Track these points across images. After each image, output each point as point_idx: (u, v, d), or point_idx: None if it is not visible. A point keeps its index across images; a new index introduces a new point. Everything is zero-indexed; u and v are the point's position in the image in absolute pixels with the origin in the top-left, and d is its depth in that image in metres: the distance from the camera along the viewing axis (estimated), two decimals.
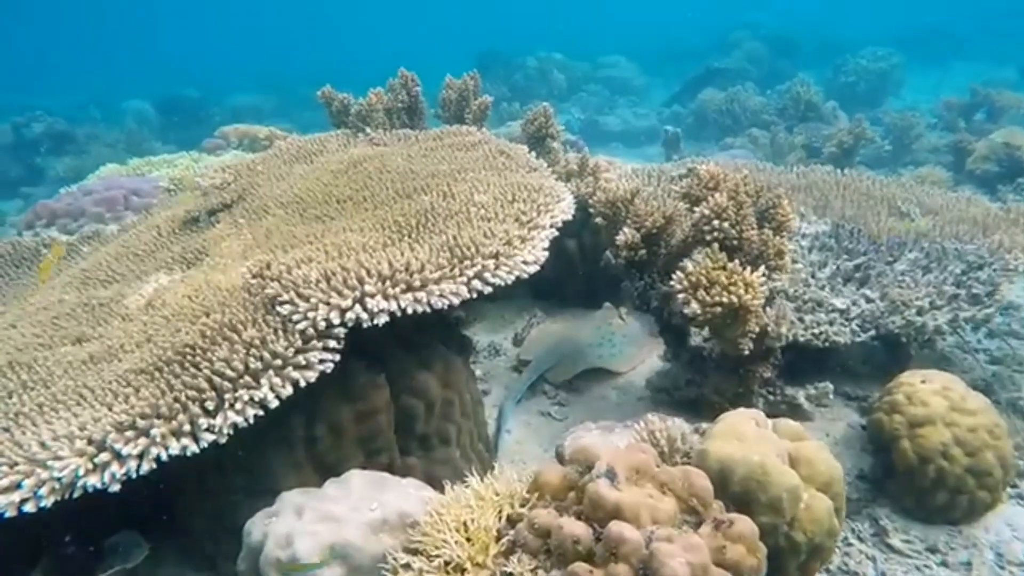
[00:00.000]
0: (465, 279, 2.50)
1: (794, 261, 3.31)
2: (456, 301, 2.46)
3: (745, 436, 2.28)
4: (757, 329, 2.82)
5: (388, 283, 2.37)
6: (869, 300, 3.58)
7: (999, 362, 4.25)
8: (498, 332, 4.62)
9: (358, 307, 2.32)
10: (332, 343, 2.32)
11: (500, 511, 1.98)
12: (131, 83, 21.24)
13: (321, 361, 2.29)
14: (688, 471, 1.93)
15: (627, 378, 3.98)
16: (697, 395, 3.39)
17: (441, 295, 2.43)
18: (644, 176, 4.62)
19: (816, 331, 3.28)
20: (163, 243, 3.75)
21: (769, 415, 3.21)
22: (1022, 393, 3.80)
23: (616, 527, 1.70)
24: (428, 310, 2.41)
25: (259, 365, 2.20)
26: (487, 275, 2.55)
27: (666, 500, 1.87)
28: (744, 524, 1.78)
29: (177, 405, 2.09)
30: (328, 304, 2.32)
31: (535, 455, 3.36)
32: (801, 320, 3.36)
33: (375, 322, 2.34)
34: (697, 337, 3.48)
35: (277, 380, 2.19)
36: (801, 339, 3.24)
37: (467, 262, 2.54)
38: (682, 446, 2.41)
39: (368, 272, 2.41)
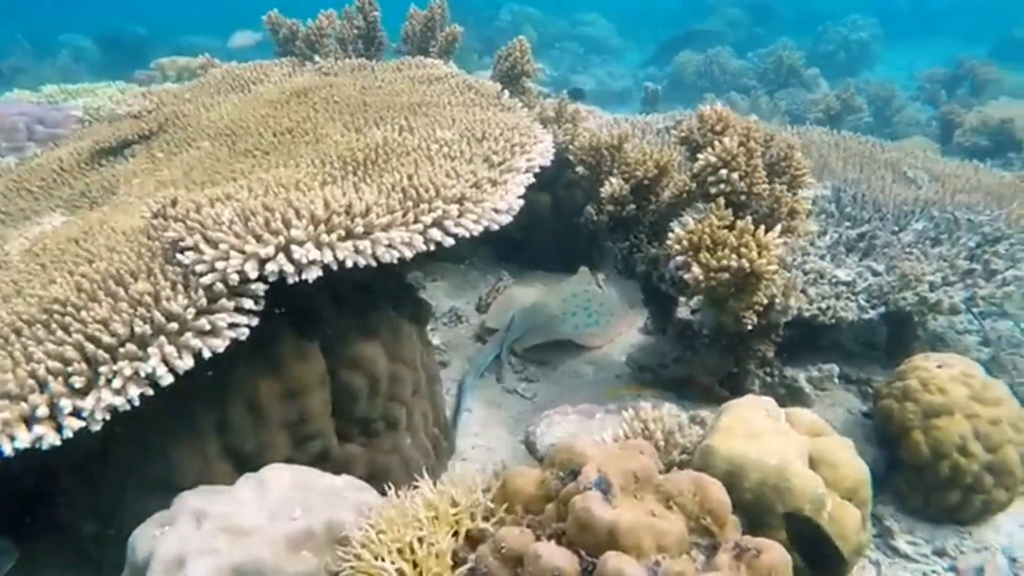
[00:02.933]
0: (421, 226, 2.01)
1: (829, 213, 2.89)
2: (408, 253, 1.97)
3: (758, 431, 1.87)
4: (765, 300, 2.40)
5: (322, 228, 1.87)
6: (875, 273, 3.20)
7: (990, 344, 3.94)
8: (460, 296, 4.14)
9: (282, 257, 1.81)
10: (248, 303, 1.82)
11: (457, 527, 1.53)
12: (71, 15, 19.75)
13: (232, 325, 1.79)
14: (700, 480, 1.50)
15: (604, 352, 3.56)
16: (685, 374, 2.98)
17: (390, 245, 1.94)
18: (628, 127, 4.15)
19: (822, 306, 2.89)
20: (65, 179, 3.16)
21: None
22: None
23: (614, 562, 1.26)
24: (373, 263, 1.92)
25: (147, 329, 1.69)
26: (448, 223, 2.07)
27: (672, 518, 1.44)
28: (775, 554, 1.36)
29: (31, 381, 1.58)
30: (243, 252, 1.81)
31: (500, 440, 2.92)
32: (804, 293, 2.95)
33: (304, 277, 1.84)
34: (684, 309, 3.06)
35: (171, 349, 1.69)
36: (806, 314, 2.84)
37: (424, 206, 2.05)
38: (680, 440, 1.99)
39: (297, 213, 1.90)
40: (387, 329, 2.31)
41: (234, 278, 1.79)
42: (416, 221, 2.03)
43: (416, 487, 1.67)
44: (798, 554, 1.59)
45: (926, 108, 9.02)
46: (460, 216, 2.12)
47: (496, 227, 2.21)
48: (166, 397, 1.80)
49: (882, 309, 3.00)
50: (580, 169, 3.10)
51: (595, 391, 3.27)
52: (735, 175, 2.41)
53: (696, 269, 2.26)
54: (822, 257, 3.31)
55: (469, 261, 4.46)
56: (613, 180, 2.79)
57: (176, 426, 1.99)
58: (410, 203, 2.07)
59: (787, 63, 9.66)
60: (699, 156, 2.48)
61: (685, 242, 2.32)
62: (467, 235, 2.12)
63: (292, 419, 2.08)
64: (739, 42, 13.89)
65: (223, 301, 1.79)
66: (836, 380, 2.92)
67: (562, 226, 4.12)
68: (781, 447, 1.82)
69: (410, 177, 2.19)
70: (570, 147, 3.22)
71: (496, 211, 2.21)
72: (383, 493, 1.88)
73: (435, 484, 1.69)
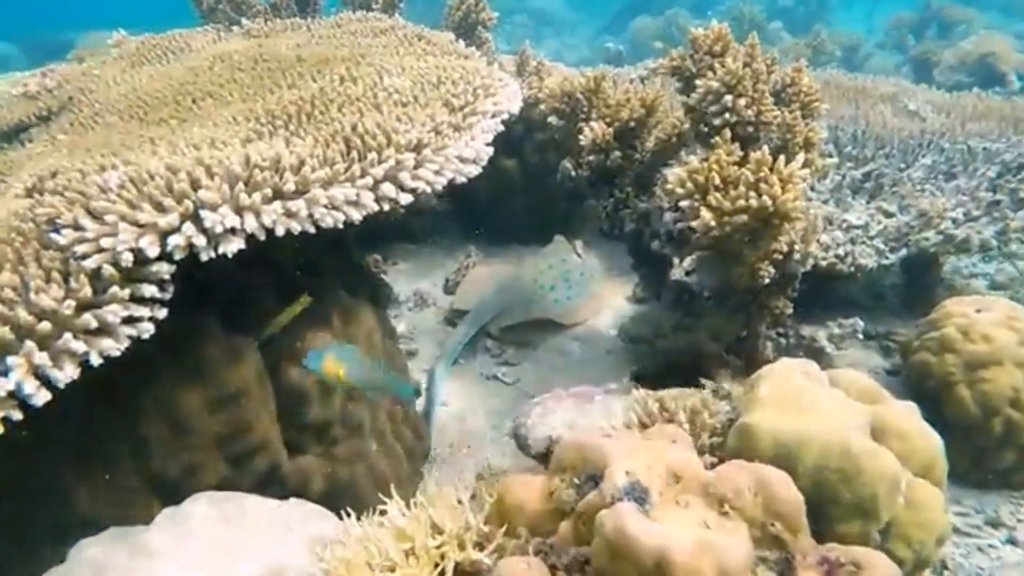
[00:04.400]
0: (369, 181, 1.60)
1: (827, 155, 2.55)
2: (356, 215, 1.57)
3: (808, 401, 1.51)
4: (785, 248, 2.04)
5: (241, 187, 1.45)
6: (888, 214, 2.87)
7: (1003, 287, 3.67)
8: (425, 277, 3.73)
9: (190, 227, 1.39)
10: (149, 290, 1.40)
11: (442, 561, 1.14)
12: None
13: (130, 320, 1.37)
14: (763, 475, 1.13)
15: (591, 325, 3.18)
16: (687, 343, 2.61)
17: (331, 206, 1.53)
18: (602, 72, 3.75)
19: (839, 252, 2.55)
20: None
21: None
22: None
23: None
24: (311, 229, 1.52)
25: (7, 334, 1.26)
26: (403, 176, 1.66)
27: (731, 528, 1.07)
28: (883, 570, 1.00)
29: None
30: (137, 224, 1.38)
31: (481, 434, 2.54)
32: (817, 240, 2.61)
33: (222, 251, 1.42)
34: (679, 270, 2.70)
35: (43, 357, 1.26)
36: (823, 263, 2.50)
37: (372, 156, 1.64)
38: (709, 420, 1.62)
39: (208, 171, 1.48)
40: (340, 315, 1.90)
41: (127, 258, 1.37)
42: (364, 175, 1.62)
43: (383, 511, 1.27)
44: None
45: (894, 54, 8.78)
46: (417, 167, 1.71)
47: (463, 179, 1.81)
48: (62, 420, 1.39)
49: (903, 252, 2.67)
50: (553, 119, 2.70)
51: (586, 370, 2.90)
52: (741, 101, 2.04)
53: (706, 214, 1.89)
54: (825, 201, 2.98)
55: (432, 239, 4.05)
56: (594, 125, 2.41)
57: (79, 455, 1.57)
58: (355, 154, 1.66)
59: (748, 18, 9.35)
60: (697, 83, 2.10)
61: (689, 184, 1.94)
62: (428, 190, 1.72)
63: (226, 433, 1.67)
64: (694, 4, 13.55)
65: (114, 290, 1.37)
66: (860, 336, 2.58)
67: (533, 193, 3.72)
68: (840, 419, 1.46)
69: (353, 126, 1.77)
70: (539, 97, 2.83)
71: (462, 159, 1.81)
72: (346, 514, 1.50)
73: (409, 502, 1.30)
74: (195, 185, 1.44)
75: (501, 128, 2.15)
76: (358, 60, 2.55)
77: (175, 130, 2.23)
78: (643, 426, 1.66)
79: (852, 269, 2.55)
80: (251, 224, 1.43)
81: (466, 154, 1.80)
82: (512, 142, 3.63)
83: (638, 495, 1.04)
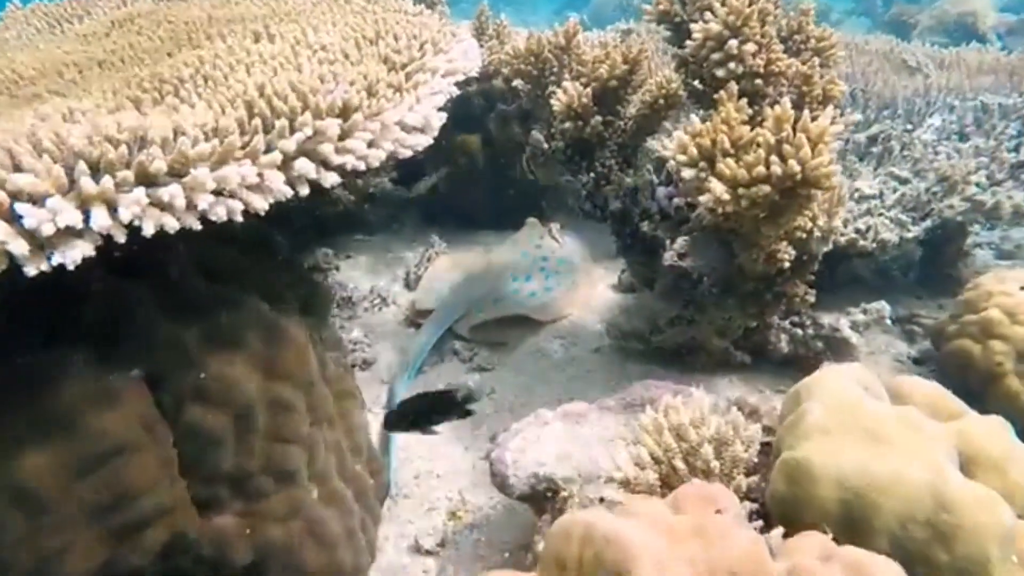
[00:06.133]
0: (278, 156, 1.18)
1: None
2: (261, 203, 1.15)
3: (874, 425, 1.14)
4: (809, 224, 1.67)
5: (84, 168, 1.02)
6: (903, 180, 2.53)
7: (1010, 256, 3.40)
8: (383, 272, 3.30)
9: (3, 228, 0.96)
10: None
11: None
12: None
13: None
14: (865, 570, 0.75)
15: (573, 320, 2.80)
16: (687, 339, 2.25)
17: (225, 192, 1.11)
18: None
19: (859, 226, 2.19)
20: None
21: (795, 360, 2.14)
22: None
23: None
24: (196, 225, 1.09)
25: None
26: (325, 149, 1.24)
27: None
28: None
29: None
30: None
31: (453, 460, 2.14)
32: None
33: (58, 262, 1.00)
34: (672, 253, 2.32)
35: None
36: (842, 239, 2.14)
37: (282, 124, 1.22)
38: (743, 453, 1.24)
39: (36, 147, 1.04)
40: (258, 332, 1.48)
41: None
42: (269, 149, 1.20)
43: None
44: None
45: (864, 21, 8.53)
46: (344, 137, 1.29)
47: (407, 152, 1.40)
48: None
49: (927, 223, 2.33)
50: (518, 83, 2.29)
51: (572, 373, 2.52)
52: (748, 47, 1.65)
53: (717, 187, 1.50)
54: None
55: (391, 228, 3.63)
56: (568, 86, 2.01)
57: None
58: (258, 122, 1.24)
59: None
60: (693, 28, 1.71)
61: (692, 149, 1.55)
62: (361, 166, 1.30)
63: (102, 501, 1.24)
64: None
65: None
66: (888, 322, 2.23)
67: (500, 171, 3.32)
68: (922, 449, 1.09)
69: (260, 87, 1.35)
70: (501, 57, 2.41)
71: (404, 128, 1.40)
72: None
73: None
74: (16, 164, 1.01)
75: (455, 91, 1.74)
76: (281, 18, 2.12)
77: (41, 106, 1.78)
78: (656, 463, 1.28)
79: (875, 245, 2.19)
80: (102, 221, 1.00)
81: (410, 120, 1.39)
82: (473, 116, 3.23)
83: None
